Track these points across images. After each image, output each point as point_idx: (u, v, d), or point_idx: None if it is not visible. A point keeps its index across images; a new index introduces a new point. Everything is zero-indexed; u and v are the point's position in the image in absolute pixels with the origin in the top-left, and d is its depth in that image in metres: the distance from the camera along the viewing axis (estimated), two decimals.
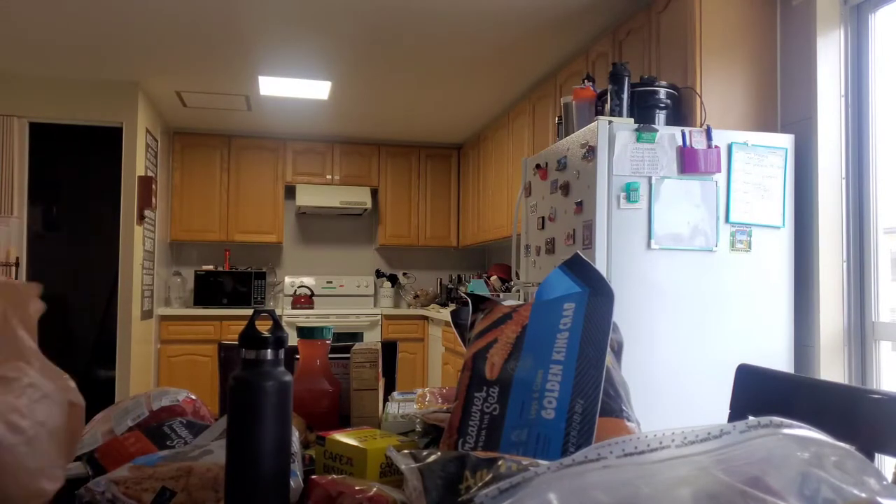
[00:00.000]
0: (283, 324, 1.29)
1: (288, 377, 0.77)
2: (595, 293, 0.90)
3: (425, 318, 5.79)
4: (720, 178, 2.49)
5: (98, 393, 5.43)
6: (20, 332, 0.65)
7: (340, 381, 1.35)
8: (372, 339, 5.66)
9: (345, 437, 0.92)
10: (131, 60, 4.13)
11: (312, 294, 5.95)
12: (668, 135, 2.46)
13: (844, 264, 2.57)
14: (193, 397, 1.20)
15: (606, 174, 2.42)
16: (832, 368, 2.52)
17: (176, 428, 1.07)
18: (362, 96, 4.80)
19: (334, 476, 0.78)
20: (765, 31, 2.75)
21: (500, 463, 0.64)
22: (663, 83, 2.63)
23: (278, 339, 0.77)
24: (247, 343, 0.76)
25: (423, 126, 5.66)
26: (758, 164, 2.52)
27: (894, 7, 2.50)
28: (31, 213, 4.63)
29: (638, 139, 2.43)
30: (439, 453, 0.66)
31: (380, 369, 1.32)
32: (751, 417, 0.58)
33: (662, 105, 2.60)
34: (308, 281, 6.08)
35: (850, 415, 1.11)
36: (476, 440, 0.83)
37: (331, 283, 6.15)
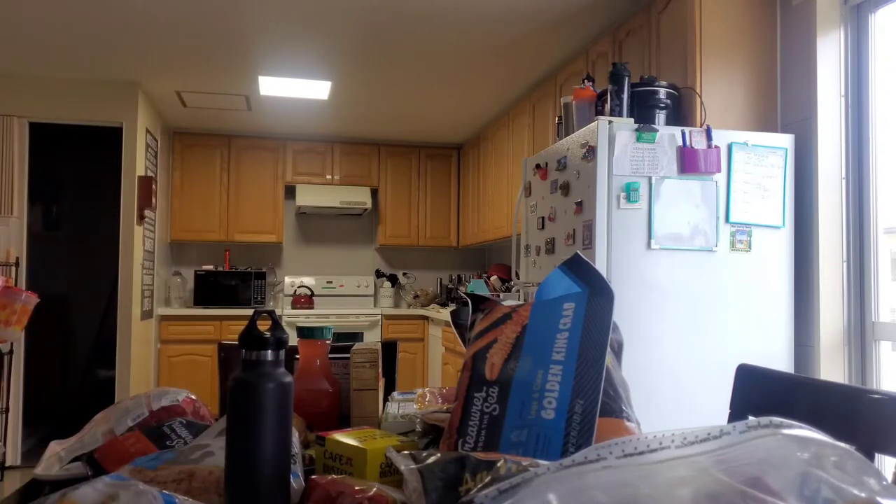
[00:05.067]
0: (283, 324, 1.29)
1: (288, 378, 0.77)
2: (595, 293, 0.90)
3: (425, 318, 5.79)
4: (720, 178, 2.49)
5: (98, 393, 5.44)
6: None
7: (340, 381, 1.35)
8: (372, 339, 5.66)
9: (345, 437, 0.92)
10: (131, 60, 4.13)
11: (312, 294, 5.95)
12: (668, 135, 2.46)
13: (844, 264, 2.57)
14: (193, 397, 1.20)
15: (606, 174, 2.42)
16: (832, 368, 2.52)
17: (176, 428, 1.06)
18: (362, 96, 4.80)
19: (334, 476, 0.78)
20: (765, 31, 2.75)
21: (499, 464, 0.64)
22: (663, 83, 2.63)
23: (278, 340, 0.77)
24: (247, 344, 0.76)
25: (423, 126, 5.66)
26: (758, 164, 2.52)
27: (894, 7, 2.50)
28: (31, 213, 4.64)
29: (638, 139, 2.43)
30: (439, 454, 0.66)
31: (380, 369, 1.32)
32: (751, 417, 0.58)
33: (662, 105, 2.60)
34: (308, 281, 6.08)
35: (850, 415, 1.11)
36: (476, 440, 0.83)
37: (331, 283, 6.15)
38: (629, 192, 2.42)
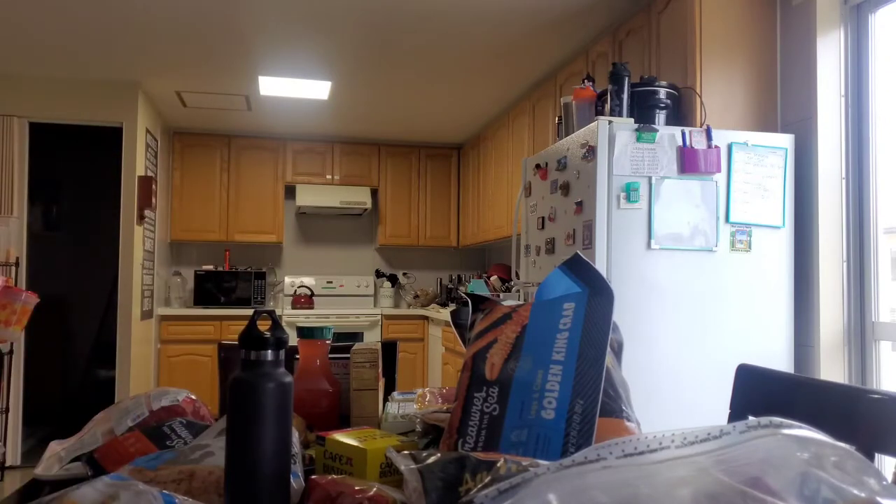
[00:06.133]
0: (283, 324, 1.29)
1: (288, 378, 0.77)
2: (595, 293, 0.90)
3: (425, 318, 5.79)
4: (720, 178, 2.49)
5: (98, 393, 5.44)
6: None
7: (340, 381, 1.35)
8: (372, 339, 5.66)
9: (345, 437, 0.92)
10: (131, 60, 4.13)
11: (312, 294, 5.95)
12: (668, 135, 2.46)
13: (844, 264, 2.57)
14: (193, 397, 1.20)
15: (606, 174, 2.42)
16: (832, 368, 2.52)
17: (176, 428, 1.06)
18: (362, 96, 4.80)
19: (334, 476, 0.78)
20: (765, 31, 2.75)
21: (499, 464, 0.64)
22: (663, 83, 2.63)
23: (278, 340, 0.77)
24: (247, 344, 0.76)
25: (423, 126, 5.65)
26: (758, 164, 2.52)
27: (894, 7, 2.50)
28: (31, 213, 4.63)
29: (638, 139, 2.43)
30: (439, 454, 0.66)
31: (380, 369, 1.32)
32: (751, 418, 0.58)
33: (662, 105, 2.60)
34: (308, 281, 6.08)
35: (850, 415, 1.11)
36: (476, 440, 0.83)
37: (331, 283, 6.15)
38: (629, 192, 2.42)
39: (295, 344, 1.41)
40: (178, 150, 5.74)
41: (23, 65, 4.25)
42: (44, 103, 4.47)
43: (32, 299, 3.60)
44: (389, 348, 1.73)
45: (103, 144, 5.55)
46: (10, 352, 4.18)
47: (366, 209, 5.98)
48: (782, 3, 2.74)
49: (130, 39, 3.78)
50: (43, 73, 4.40)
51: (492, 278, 5.10)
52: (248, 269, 5.79)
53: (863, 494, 0.49)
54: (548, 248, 2.84)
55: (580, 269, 0.94)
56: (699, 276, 2.47)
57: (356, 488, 0.71)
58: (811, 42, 2.60)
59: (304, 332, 1.31)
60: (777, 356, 2.51)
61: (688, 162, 2.45)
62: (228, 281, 5.70)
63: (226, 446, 0.75)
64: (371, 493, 0.70)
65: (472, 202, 5.79)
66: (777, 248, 2.54)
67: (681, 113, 2.68)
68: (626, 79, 2.57)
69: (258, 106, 5.06)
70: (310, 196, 5.83)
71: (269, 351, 0.76)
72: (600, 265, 2.40)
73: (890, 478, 0.79)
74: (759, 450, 0.52)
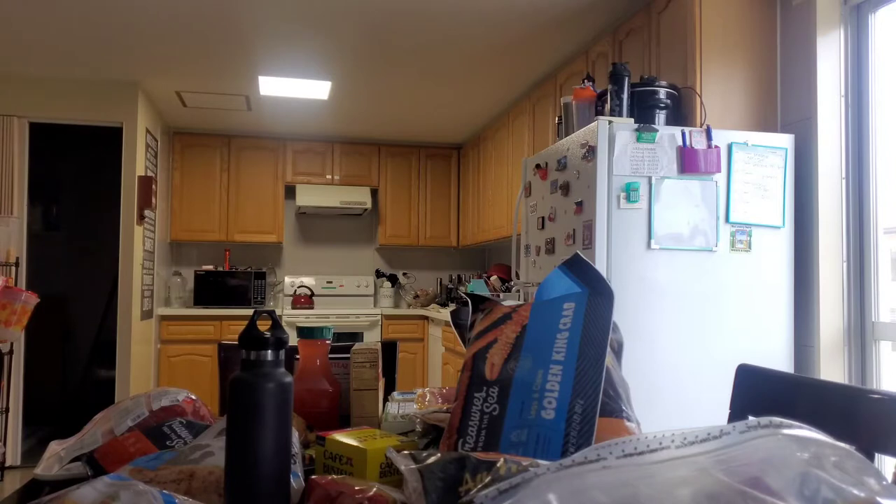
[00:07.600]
0: (283, 324, 1.29)
1: (288, 378, 0.77)
2: (595, 293, 0.90)
3: (425, 318, 5.79)
4: (720, 178, 2.49)
5: (98, 393, 5.44)
6: None
7: (340, 381, 1.35)
8: (372, 339, 5.66)
9: (345, 437, 0.92)
10: (131, 60, 4.13)
11: (312, 294, 5.95)
12: (668, 135, 2.46)
13: (844, 264, 2.57)
14: (193, 397, 1.20)
15: (606, 174, 2.42)
16: (832, 368, 2.52)
17: (176, 428, 1.06)
18: (362, 96, 4.80)
19: (334, 476, 0.78)
20: (765, 31, 2.75)
21: (499, 464, 0.64)
22: (663, 83, 2.63)
23: (278, 340, 0.77)
24: (247, 344, 0.76)
25: (423, 126, 5.65)
26: (758, 164, 2.52)
27: (894, 7, 2.50)
28: (31, 213, 4.63)
29: (638, 139, 2.43)
30: (439, 454, 0.66)
31: (380, 369, 1.32)
32: (751, 418, 0.58)
33: (662, 105, 2.60)
34: (308, 281, 6.08)
35: (850, 415, 1.11)
36: (476, 440, 0.83)
37: (331, 283, 6.15)
38: (629, 192, 2.42)
39: (295, 344, 1.41)
40: (178, 150, 5.74)
41: (23, 65, 4.25)
42: (44, 103, 4.47)
43: (32, 299, 3.61)
44: (389, 348, 1.73)
45: (103, 144, 5.55)
46: (10, 352, 4.18)
47: (366, 209, 5.98)
48: (782, 3, 2.74)
49: (130, 39, 3.78)
50: (43, 73, 4.40)
51: (492, 278, 5.10)
52: (248, 269, 5.79)
53: (863, 494, 0.49)
54: (548, 248, 2.84)
55: (580, 269, 0.94)
56: (699, 276, 2.47)
57: (356, 488, 0.71)
58: (811, 42, 2.60)
59: (304, 332, 1.31)
60: (777, 356, 2.51)
61: (688, 162, 2.45)
62: (228, 281, 5.70)
63: (226, 446, 0.75)
64: (371, 493, 0.70)
65: (472, 202, 5.79)
66: (777, 248, 2.54)
67: (681, 113, 2.68)
68: (626, 79, 2.57)
69: (258, 106, 5.06)
70: (310, 196, 5.83)
71: (269, 351, 0.76)
72: (600, 265, 2.40)
73: (890, 478, 0.79)
74: (759, 450, 0.52)
